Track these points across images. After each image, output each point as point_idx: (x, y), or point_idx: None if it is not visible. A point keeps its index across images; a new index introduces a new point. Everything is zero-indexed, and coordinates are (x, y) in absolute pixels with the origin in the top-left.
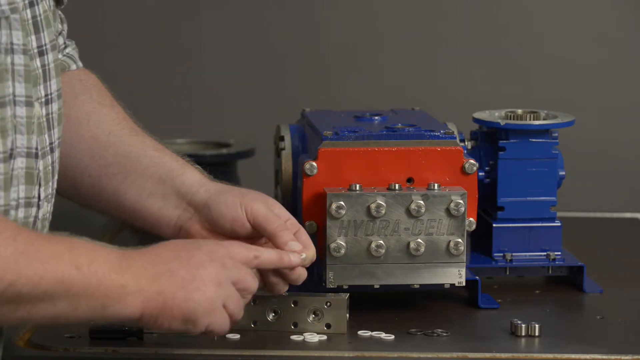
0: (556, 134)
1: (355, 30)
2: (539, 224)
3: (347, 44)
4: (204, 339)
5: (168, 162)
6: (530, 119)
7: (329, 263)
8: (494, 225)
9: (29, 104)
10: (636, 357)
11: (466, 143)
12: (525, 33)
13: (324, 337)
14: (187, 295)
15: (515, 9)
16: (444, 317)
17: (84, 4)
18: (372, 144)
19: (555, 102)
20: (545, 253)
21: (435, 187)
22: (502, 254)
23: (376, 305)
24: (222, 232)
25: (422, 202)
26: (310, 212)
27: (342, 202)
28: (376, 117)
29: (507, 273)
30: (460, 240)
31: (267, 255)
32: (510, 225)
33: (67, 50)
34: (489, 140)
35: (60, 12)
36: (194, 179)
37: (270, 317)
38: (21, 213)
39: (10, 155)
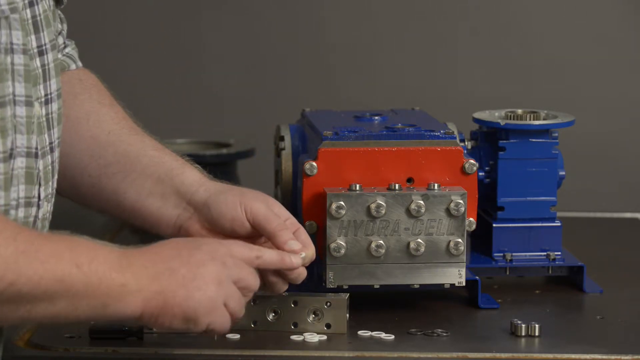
0: (556, 134)
1: (355, 30)
2: (539, 224)
3: (347, 44)
4: (204, 339)
5: (168, 161)
6: (530, 119)
7: (329, 263)
8: (494, 225)
9: (28, 103)
10: (636, 357)
11: (466, 143)
12: (525, 33)
13: (324, 337)
14: (188, 294)
15: (515, 9)
16: (444, 317)
17: (83, 3)
18: (372, 144)
19: (555, 102)
20: (545, 253)
21: (435, 187)
22: (502, 254)
23: (376, 305)
24: (221, 231)
25: (422, 202)
26: (310, 212)
27: (342, 202)
28: (376, 117)
29: (507, 273)
30: (460, 240)
31: (269, 256)
32: (510, 225)
33: (67, 50)
34: (489, 140)
35: (59, 11)
36: (194, 179)
37: (270, 317)
38: (21, 213)
39: (10, 155)
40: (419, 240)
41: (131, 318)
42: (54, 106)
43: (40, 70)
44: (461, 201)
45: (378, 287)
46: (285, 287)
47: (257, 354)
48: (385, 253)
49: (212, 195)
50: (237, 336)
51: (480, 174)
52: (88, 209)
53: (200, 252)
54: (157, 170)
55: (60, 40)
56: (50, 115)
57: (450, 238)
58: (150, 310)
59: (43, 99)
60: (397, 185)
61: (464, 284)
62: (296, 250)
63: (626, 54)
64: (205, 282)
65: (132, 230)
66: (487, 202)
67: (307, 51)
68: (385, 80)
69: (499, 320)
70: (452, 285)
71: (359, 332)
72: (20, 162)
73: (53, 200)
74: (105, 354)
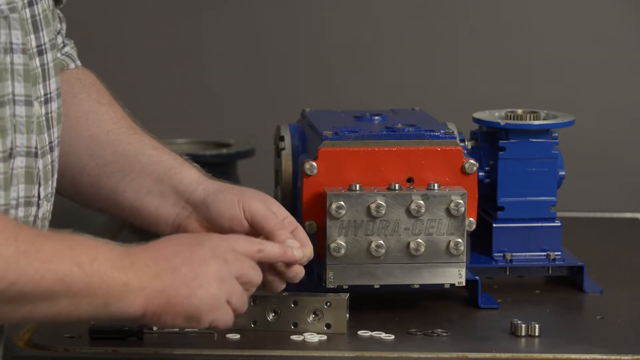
0: (556, 134)
1: (355, 30)
2: (539, 224)
3: (347, 44)
4: (204, 339)
5: (166, 160)
6: (530, 119)
7: (329, 263)
8: (494, 225)
9: (28, 103)
10: (636, 357)
11: (466, 143)
12: (525, 33)
13: (324, 337)
14: (190, 292)
15: (515, 9)
16: (444, 317)
17: (83, 3)
18: (372, 144)
19: (555, 102)
20: (545, 253)
21: (435, 187)
22: (502, 254)
23: (376, 305)
24: (220, 230)
25: (422, 202)
26: (310, 212)
27: (342, 202)
28: (376, 117)
29: (507, 273)
30: (460, 240)
31: (270, 249)
32: (510, 225)
33: (66, 49)
34: (489, 140)
35: (59, 11)
36: (192, 177)
37: (270, 317)
38: (21, 212)
39: (10, 155)
40: (419, 240)
41: (133, 317)
42: (54, 105)
43: (39, 69)
44: (461, 201)
45: (378, 287)
46: (283, 286)
47: (257, 354)
48: (385, 253)
49: (211, 194)
50: (237, 336)
51: (480, 174)
52: (87, 208)
53: (202, 249)
54: (155, 169)
55: (59, 39)
56: (49, 115)
57: (450, 238)
58: (153, 308)
59: (42, 99)
60: (397, 185)
61: (464, 284)
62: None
63: (626, 54)
64: (207, 279)
65: (131, 229)
66: (487, 202)
67: (307, 51)
68: (385, 80)
69: (499, 320)
70: (452, 285)
71: (359, 332)
72: (20, 162)
73: (53, 199)
74: (105, 354)
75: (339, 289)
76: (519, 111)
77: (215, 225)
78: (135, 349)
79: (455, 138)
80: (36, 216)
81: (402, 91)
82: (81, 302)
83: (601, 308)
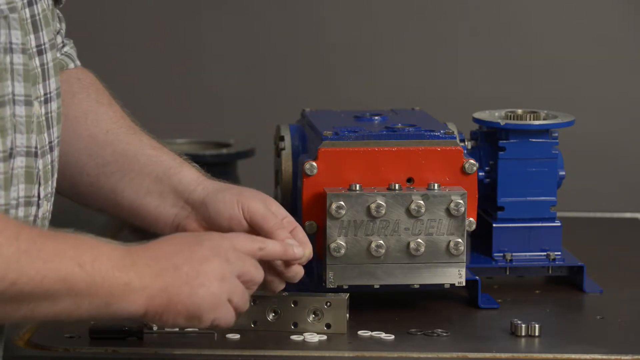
0: (556, 134)
1: (355, 30)
2: (539, 224)
3: (347, 44)
4: (204, 339)
5: (165, 160)
6: (530, 119)
7: (329, 263)
8: (494, 225)
9: (28, 103)
10: (636, 357)
11: (466, 143)
12: (525, 33)
13: (324, 337)
14: (192, 291)
15: (515, 9)
16: (444, 317)
17: (82, 2)
18: (372, 144)
19: (555, 102)
20: (545, 253)
21: (435, 187)
22: (502, 254)
23: (376, 305)
24: (219, 230)
25: (422, 202)
26: (310, 212)
27: (342, 202)
28: (376, 117)
29: (507, 273)
30: (460, 240)
31: (272, 247)
32: (510, 225)
33: (65, 49)
34: (489, 140)
35: (58, 10)
36: (191, 177)
37: (270, 317)
38: (21, 212)
39: (10, 155)
40: (419, 240)
41: (135, 316)
42: (54, 105)
43: (39, 69)
44: (461, 201)
45: (378, 287)
46: (282, 286)
47: (257, 354)
48: (385, 253)
49: (210, 194)
50: (237, 336)
51: (480, 174)
52: (87, 208)
53: (203, 248)
54: (155, 169)
55: (59, 39)
56: (49, 115)
57: (450, 238)
58: (154, 307)
59: (42, 98)
60: (397, 185)
61: (464, 284)
62: None
63: (626, 54)
64: (209, 278)
65: (131, 229)
66: (487, 202)
67: (307, 51)
68: (385, 80)
69: (499, 320)
70: (452, 285)
71: (359, 332)
72: (20, 162)
73: (53, 199)
74: (105, 354)
75: (339, 289)
76: (519, 111)
77: (214, 225)
78: (135, 349)
79: (455, 138)
80: (36, 216)
81: (402, 91)
82: (83, 301)
83: (601, 308)
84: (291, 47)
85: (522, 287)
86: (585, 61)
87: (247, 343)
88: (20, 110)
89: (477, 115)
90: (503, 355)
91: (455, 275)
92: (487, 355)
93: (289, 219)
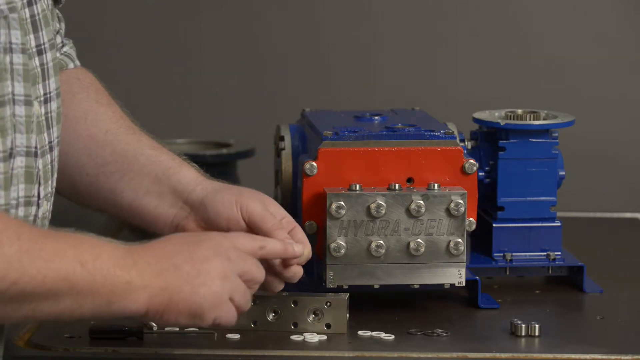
0: (556, 134)
1: (355, 30)
2: (539, 224)
3: (347, 44)
4: (204, 339)
5: (165, 160)
6: (530, 119)
7: (329, 263)
8: (494, 225)
9: (27, 102)
10: (636, 357)
11: (466, 143)
12: (525, 33)
13: (324, 337)
14: (193, 290)
15: (515, 9)
16: (444, 317)
17: (82, 2)
18: (372, 144)
19: (555, 102)
20: (545, 253)
21: (435, 187)
22: (502, 254)
23: (376, 305)
24: (218, 230)
25: (422, 202)
26: (310, 212)
27: (342, 202)
28: (376, 117)
29: (507, 273)
30: (460, 240)
31: (272, 246)
32: (510, 225)
33: (65, 49)
34: (489, 140)
35: (58, 10)
36: (190, 178)
37: (270, 317)
38: (21, 212)
39: (10, 155)
40: (419, 240)
41: (136, 315)
42: (53, 105)
43: (39, 69)
44: (461, 201)
45: (378, 287)
46: (281, 286)
47: (257, 354)
48: (385, 253)
49: (209, 194)
50: (237, 336)
51: (480, 174)
52: (86, 208)
53: (203, 248)
54: (154, 170)
55: (58, 39)
56: (49, 114)
57: (450, 238)
58: (155, 307)
59: (42, 98)
60: (397, 185)
61: (464, 284)
62: None
63: (626, 54)
64: (210, 277)
65: (131, 229)
66: (487, 202)
67: (307, 51)
68: (385, 80)
69: (499, 320)
70: (452, 285)
71: (359, 332)
72: (19, 162)
73: (52, 199)
74: (105, 354)
75: (339, 289)
76: (519, 111)
77: (212, 226)
78: (135, 349)
79: (455, 138)
80: (36, 216)
81: (402, 91)
82: (84, 300)
83: (601, 308)
84: (291, 47)
85: (522, 287)
86: (585, 61)
87: (247, 343)
88: (20, 110)
89: (477, 115)
90: (503, 355)
91: (455, 275)
92: (487, 355)
93: (288, 219)
